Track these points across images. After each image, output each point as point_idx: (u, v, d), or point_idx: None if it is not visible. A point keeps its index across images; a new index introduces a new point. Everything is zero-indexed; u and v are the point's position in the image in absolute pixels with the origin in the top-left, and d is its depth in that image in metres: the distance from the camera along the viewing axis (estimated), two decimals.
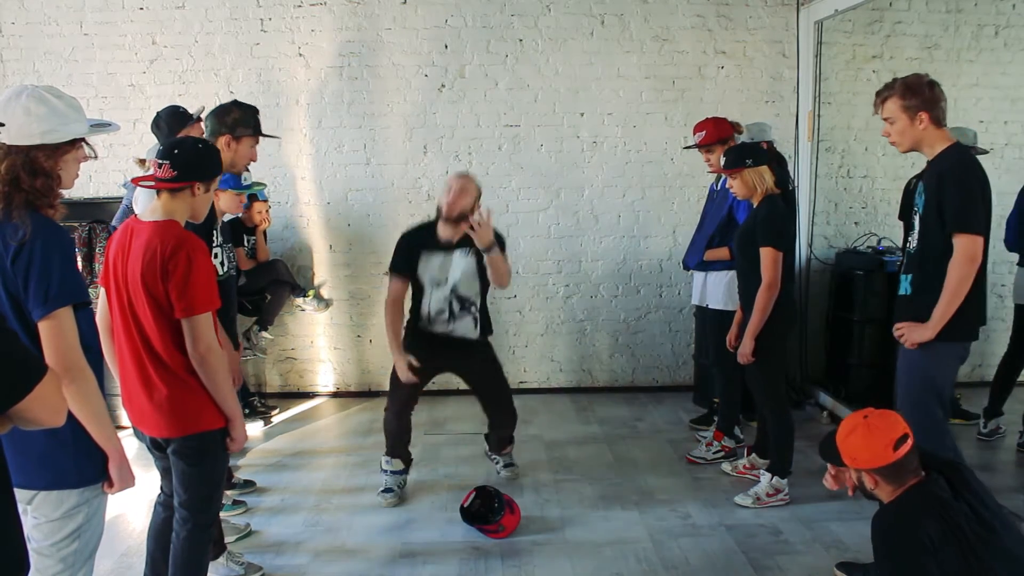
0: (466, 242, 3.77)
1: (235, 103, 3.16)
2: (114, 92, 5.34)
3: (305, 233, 5.57)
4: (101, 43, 5.32)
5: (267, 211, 5.20)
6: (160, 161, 2.38)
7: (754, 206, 3.73)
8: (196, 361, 2.33)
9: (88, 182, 5.30)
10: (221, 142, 3.02)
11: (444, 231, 3.78)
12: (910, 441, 2.29)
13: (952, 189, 2.85)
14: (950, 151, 2.93)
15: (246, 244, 5.09)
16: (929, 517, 2.18)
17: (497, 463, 4.25)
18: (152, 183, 2.40)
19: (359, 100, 5.43)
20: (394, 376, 3.86)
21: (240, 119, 3.06)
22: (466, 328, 3.86)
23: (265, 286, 5.15)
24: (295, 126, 5.43)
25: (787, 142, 5.37)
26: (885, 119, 2.98)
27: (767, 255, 3.59)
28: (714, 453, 4.36)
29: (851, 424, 2.38)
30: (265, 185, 4.68)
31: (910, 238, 3.11)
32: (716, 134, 4.26)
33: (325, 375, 5.71)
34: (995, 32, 5.42)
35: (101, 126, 2.11)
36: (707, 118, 4.40)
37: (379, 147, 5.48)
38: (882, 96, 2.98)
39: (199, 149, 2.46)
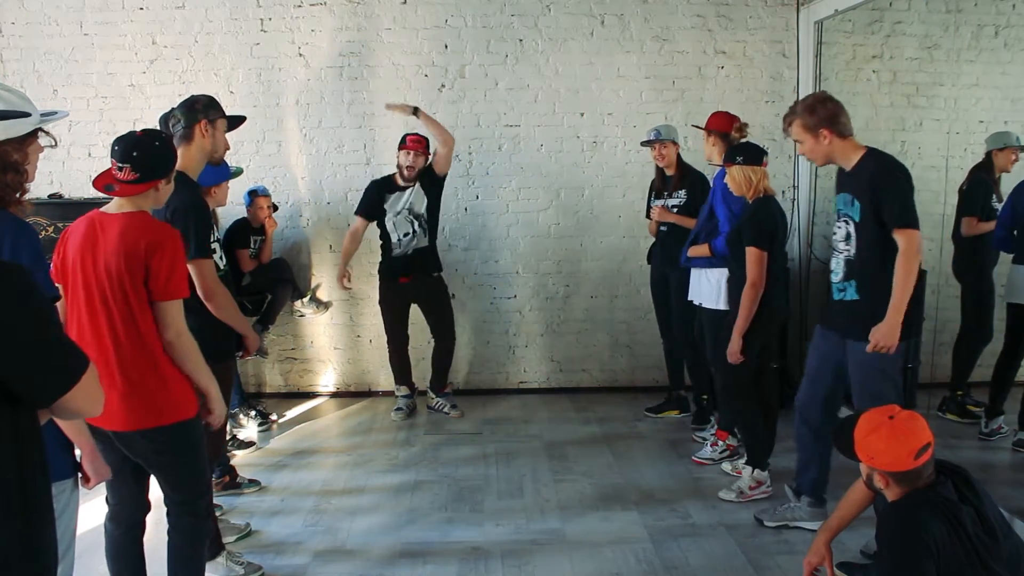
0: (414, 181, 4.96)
1: (193, 96, 3.09)
2: (114, 92, 5.33)
3: (305, 233, 5.57)
4: (101, 43, 5.31)
5: (269, 207, 5.05)
6: (120, 164, 2.35)
7: (748, 204, 3.78)
8: (167, 347, 2.35)
9: (87, 182, 5.27)
10: (198, 129, 2.98)
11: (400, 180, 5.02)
12: (931, 450, 2.23)
13: (889, 190, 2.99)
14: (867, 158, 3.07)
15: (252, 246, 5.05)
16: (935, 520, 2.15)
17: (443, 408, 5.22)
18: (116, 187, 2.36)
19: (359, 100, 5.43)
20: (389, 324, 5.11)
21: (208, 104, 3.03)
22: (421, 241, 4.96)
23: (269, 285, 5.11)
24: (295, 126, 5.43)
25: (787, 142, 5.36)
26: (795, 140, 3.19)
27: (751, 254, 3.66)
28: (720, 453, 4.37)
29: (874, 422, 2.29)
30: (243, 169, 4.62)
31: (845, 246, 3.17)
32: (716, 124, 4.29)
33: (325, 375, 5.71)
34: (995, 32, 5.41)
35: (50, 115, 2.03)
36: (721, 111, 4.41)
37: (379, 147, 5.47)
38: (787, 120, 3.17)
39: (157, 147, 2.43)
